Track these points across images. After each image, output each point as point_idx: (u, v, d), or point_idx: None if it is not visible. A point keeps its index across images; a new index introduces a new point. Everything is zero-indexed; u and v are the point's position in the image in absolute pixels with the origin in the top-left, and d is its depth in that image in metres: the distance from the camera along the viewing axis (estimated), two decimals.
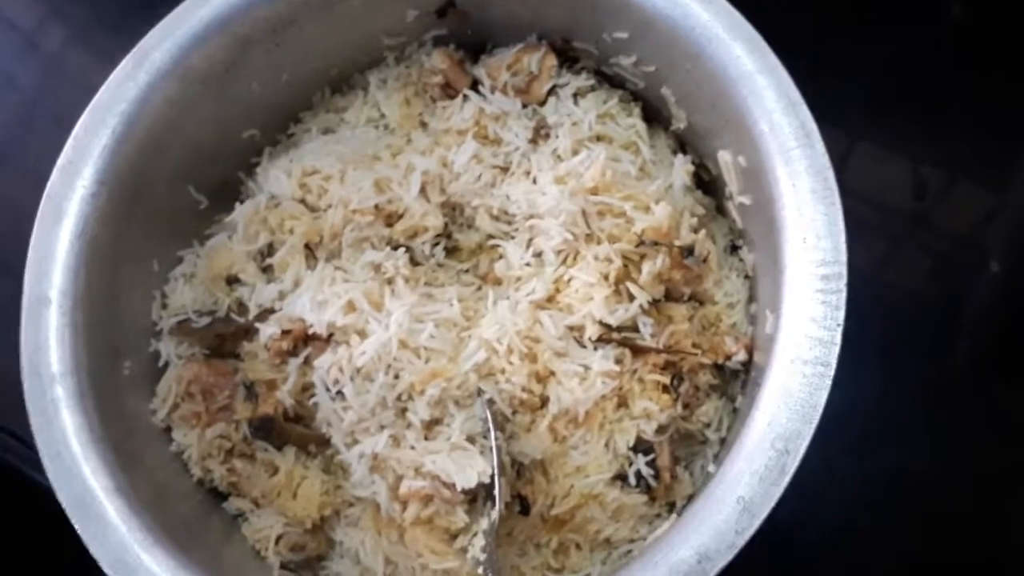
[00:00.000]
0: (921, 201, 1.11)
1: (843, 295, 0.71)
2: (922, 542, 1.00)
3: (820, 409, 0.68)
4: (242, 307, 0.91)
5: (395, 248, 0.89)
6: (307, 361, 0.85)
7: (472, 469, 0.76)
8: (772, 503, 0.67)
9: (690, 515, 0.71)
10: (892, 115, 1.13)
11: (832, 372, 0.69)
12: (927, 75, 1.14)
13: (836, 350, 0.69)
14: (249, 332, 0.89)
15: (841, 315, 0.70)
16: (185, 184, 0.95)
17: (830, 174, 0.74)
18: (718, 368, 0.89)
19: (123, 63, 0.87)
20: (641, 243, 0.86)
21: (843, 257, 0.72)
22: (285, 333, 0.85)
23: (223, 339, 0.91)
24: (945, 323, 1.07)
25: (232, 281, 0.92)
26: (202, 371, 0.89)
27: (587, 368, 0.83)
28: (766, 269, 0.83)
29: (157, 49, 0.87)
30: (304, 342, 0.86)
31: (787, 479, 0.67)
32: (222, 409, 0.88)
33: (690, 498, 0.86)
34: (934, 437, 1.03)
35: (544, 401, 0.84)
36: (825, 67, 0.95)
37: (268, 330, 0.86)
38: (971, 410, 1.04)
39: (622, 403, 0.85)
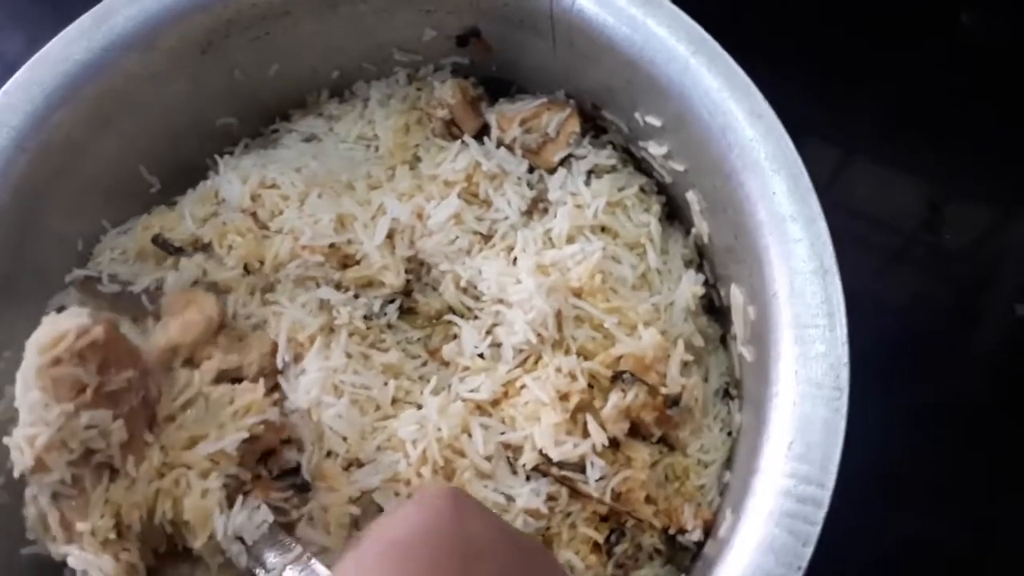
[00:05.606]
0: (935, 234, 1.01)
1: (816, 530, 0.56)
2: None
3: None
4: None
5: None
6: None
7: None
8: None
9: None
10: (902, 136, 1.06)
11: None
12: (937, 95, 1.06)
13: None
14: None
15: (807, 554, 0.55)
16: (135, 164, 0.84)
17: (844, 372, 0.59)
18: (667, 534, 0.74)
19: (81, 18, 0.75)
20: (617, 372, 0.72)
21: (830, 481, 0.57)
22: None
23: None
24: (965, 371, 0.96)
25: (162, 245, 0.79)
26: None
27: (510, 499, 0.70)
28: (748, 448, 0.69)
29: (122, 13, 0.75)
30: None
31: None
32: None
33: None
34: (957, 499, 0.90)
35: None
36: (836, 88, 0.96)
37: None
38: (998, 468, 0.91)
39: (546, 545, 0.72)
